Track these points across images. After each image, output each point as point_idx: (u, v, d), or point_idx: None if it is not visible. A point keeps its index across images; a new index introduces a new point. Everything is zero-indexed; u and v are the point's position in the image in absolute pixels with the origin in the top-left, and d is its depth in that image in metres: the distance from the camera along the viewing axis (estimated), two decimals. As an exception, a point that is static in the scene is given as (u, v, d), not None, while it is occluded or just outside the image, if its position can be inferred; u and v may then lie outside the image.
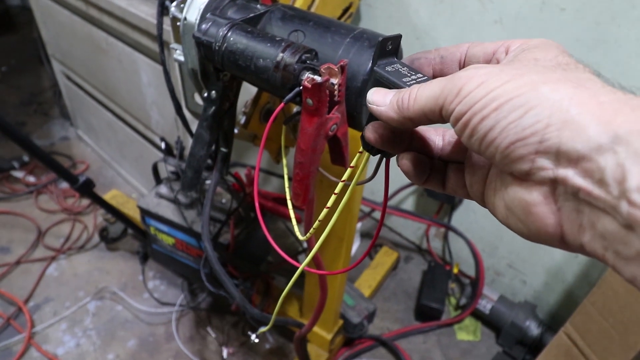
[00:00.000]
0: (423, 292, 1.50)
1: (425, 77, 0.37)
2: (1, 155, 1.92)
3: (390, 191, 1.64)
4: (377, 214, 1.78)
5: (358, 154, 0.42)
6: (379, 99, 0.35)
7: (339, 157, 0.56)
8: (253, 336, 1.14)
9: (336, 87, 0.45)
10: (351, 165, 0.42)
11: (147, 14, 1.11)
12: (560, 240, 0.27)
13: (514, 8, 1.10)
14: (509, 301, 1.45)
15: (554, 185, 0.26)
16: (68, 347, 1.36)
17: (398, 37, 0.44)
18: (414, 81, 0.37)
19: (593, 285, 1.30)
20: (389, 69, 0.40)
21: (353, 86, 0.50)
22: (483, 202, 0.34)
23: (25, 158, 1.91)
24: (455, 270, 1.56)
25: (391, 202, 1.65)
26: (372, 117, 0.37)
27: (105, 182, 1.92)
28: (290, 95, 0.46)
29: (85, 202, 1.80)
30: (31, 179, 1.87)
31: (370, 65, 0.50)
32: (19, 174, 1.88)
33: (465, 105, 0.28)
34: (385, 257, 1.62)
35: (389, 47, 0.43)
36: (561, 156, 0.24)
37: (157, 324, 1.44)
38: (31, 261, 1.59)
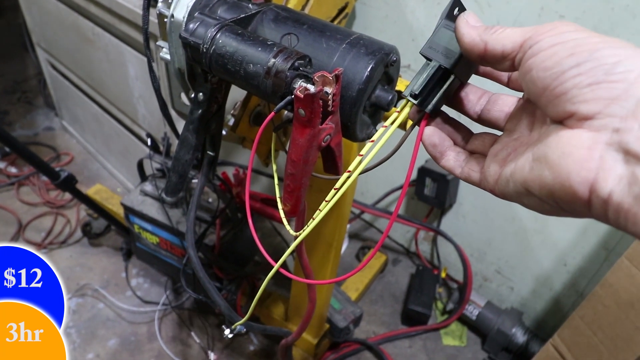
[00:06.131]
0: (410, 296, 1.49)
1: None
2: (-18, 145, 1.86)
3: (381, 193, 1.62)
4: (366, 216, 1.76)
5: (404, 101, 0.40)
6: (472, 19, 0.35)
7: (333, 166, 0.54)
8: (227, 331, 1.12)
9: (330, 97, 0.43)
10: (397, 110, 0.40)
11: (135, 5, 1.07)
12: (588, 188, 0.27)
13: (512, 13, 1.08)
14: (496, 307, 1.44)
15: (612, 134, 0.26)
16: (46, 345, 1.32)
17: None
18: None
19: (581, 295, 1.31)
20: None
21: (348, 95, 0.47)
22: (493, 180, 0.35)
23: (7, 148, 1.85)
24: (443, 275, 1.55)
25: (381, 205, 1.63)
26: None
27: (90, 175, 1.87)
28: (281, 104, 0.43)
29: (69, 195, 1.75)
30: (13, 170, 1.82)
31: (366, 73, 0.47)
32: (0, 164, 1.82)
33: (558, 38, 0.29)
34: (373, 260, 1.60)
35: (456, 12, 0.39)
36: (639, 110, 0.25)
37: (139, 323, 1.40)
38: (10, 255, 1.54)
